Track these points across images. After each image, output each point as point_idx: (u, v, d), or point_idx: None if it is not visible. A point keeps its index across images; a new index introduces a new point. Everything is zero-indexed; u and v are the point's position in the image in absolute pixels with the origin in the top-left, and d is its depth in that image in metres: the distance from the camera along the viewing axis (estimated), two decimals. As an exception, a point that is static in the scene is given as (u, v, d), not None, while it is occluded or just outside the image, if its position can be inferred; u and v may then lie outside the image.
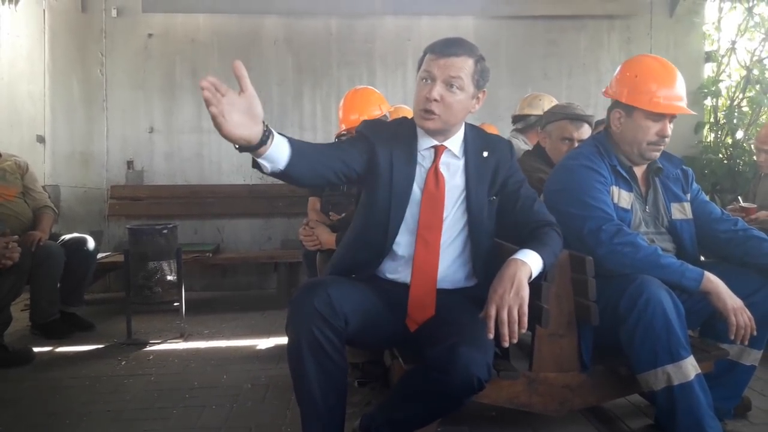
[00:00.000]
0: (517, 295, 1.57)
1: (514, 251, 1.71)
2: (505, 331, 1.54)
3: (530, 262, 1.65)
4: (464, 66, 1.78)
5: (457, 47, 1.79)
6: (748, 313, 1.89)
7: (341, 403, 1.66)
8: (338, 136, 3.27)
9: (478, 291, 1.88)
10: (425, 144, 1.88)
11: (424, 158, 1.88)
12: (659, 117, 2.06)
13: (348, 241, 1.94)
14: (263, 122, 1.45)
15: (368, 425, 1.76)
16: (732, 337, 1.89)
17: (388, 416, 1.72)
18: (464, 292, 1.91)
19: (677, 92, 2.07)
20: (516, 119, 3.62)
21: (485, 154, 1.91)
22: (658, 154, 2.15)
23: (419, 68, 1.85)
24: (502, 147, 1.95)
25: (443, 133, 1.86)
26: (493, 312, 1.55)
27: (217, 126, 1.37)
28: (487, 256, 1.90)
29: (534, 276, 1.66)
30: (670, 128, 2.09)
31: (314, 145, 1.72)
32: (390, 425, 1.71)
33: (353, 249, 1.92)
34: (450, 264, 1.89)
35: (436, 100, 1.76)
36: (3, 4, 4.64)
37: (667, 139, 2.10)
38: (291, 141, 1.56)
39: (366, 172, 1.83)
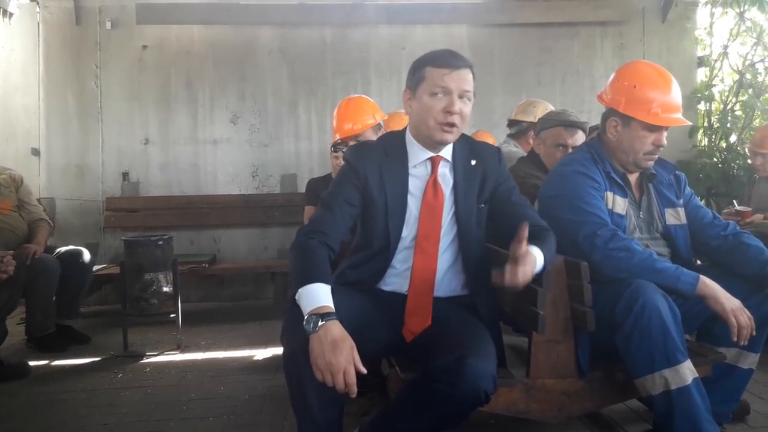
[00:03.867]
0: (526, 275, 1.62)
1: (508, 257, 1.71)
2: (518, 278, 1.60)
3: (535, 254, 1.68)
4: (469, 78, 1.81)
5: (462, 60, 1.81)
6: (747, 312, 1.89)
7: (338, 412, 1.64)
8: (334, 145, 3.27)
9: (471, 299, 1.89)
10: (420, 157, 1.88)
11: (418, 170, 1.89)
12: (657, 128, 2.07)
13: (351, 261, 1.94)
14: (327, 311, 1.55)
15: (368, 435, 1.75)
16: (734, 339, 1.89)
17: (391, 427, 1.71)
18: (459, 300, 1.91)
19: (675, 102, 2.08)
20: (509, 124, 3.64)
21: (473, 162, 1.91)
22: (652, 163, 2.15)
23: (417, 81, 1.82)
24: (490, 154, 1.96)
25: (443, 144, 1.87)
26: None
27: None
28: (478, 264, 1.90)
29: (536, 271, 1.68)
30: (665, 137, 2.10)
31: (334, 227, 1.80)
32: None
33: (355, 267, 1.92)
34: (445, 272, 1.90)
35: (457, 114, 1.78)
36: (-3, 17, 4.65)
37: (662, 148, 2.11)
38: (330, 278, 1.67)
39: (364, 201, 1.87)
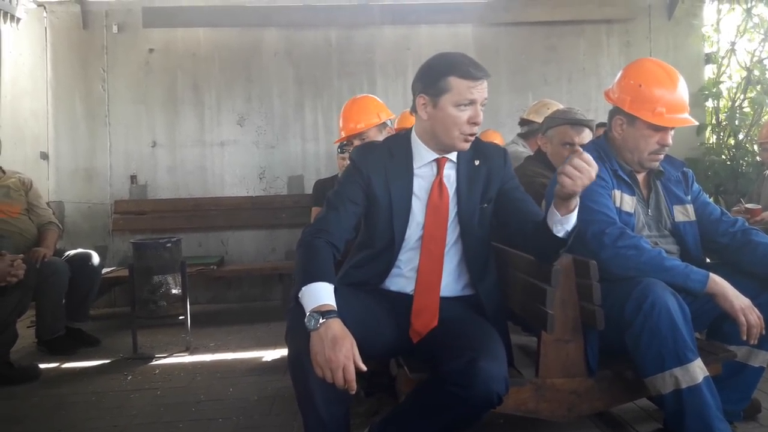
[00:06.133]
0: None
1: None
2: None
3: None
4: (486, 85, 1.81)
5: (483, 69, 1.78)
6: (757, 311, 1.88)
7: (344, 410, 1.63)
8: (340, 146, 3.28)
9: (477, 299, 1.89)
10: (426, 158, 1.88)
11: (423, 171, 1.89)
12: (661, 127, 2.05)
13: (355, 260, 1.95)
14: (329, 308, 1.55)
15: (378, 436, 1.75)
16: (744, 338, 1.87)
17: (401, 429, 1.71)
18: (465, 300, 1.91)
19: (680, 101, 2.06)
20: (521, 123, 3.63)
21: (476, 162, 1.91)
22: (657, 163, 2.14)
23: (440, 91, 1.77)
24: (496, 155, 1.95)
25: None
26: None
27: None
28: (483, 264, 1.90)
29: (568, 229, 1.68)
30: (671, 136, 2.08)
31: (338, 227, 1.81)
32: None
33: (359, 266, 1.92)
34: (450, 273, 1.89)
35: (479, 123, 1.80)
36: (5, 22, 4.69)
37: (667, 148, 2.10)
38: (333, 277, 1.68)
39: (367, 200, 1.87)
